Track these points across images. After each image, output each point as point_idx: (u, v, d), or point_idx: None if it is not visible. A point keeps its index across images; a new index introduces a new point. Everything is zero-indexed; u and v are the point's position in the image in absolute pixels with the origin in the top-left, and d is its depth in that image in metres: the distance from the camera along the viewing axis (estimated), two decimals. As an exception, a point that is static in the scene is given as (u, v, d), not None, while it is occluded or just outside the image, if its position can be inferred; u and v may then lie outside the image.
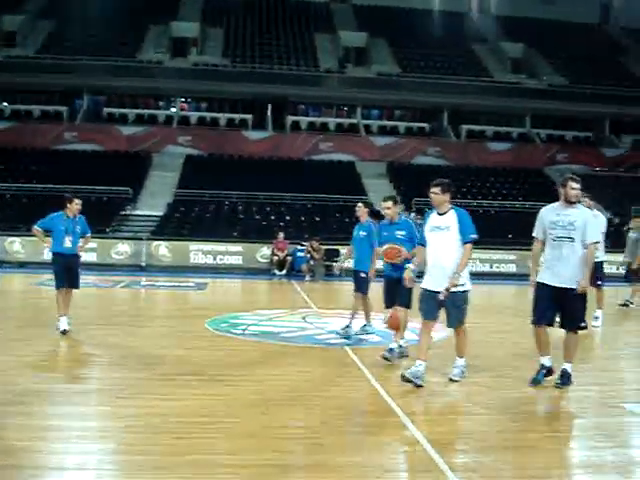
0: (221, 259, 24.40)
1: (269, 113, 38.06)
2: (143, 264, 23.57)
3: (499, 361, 8.83)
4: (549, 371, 7.43)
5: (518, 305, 16.64)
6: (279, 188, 29.13)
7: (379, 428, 5.93)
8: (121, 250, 23.88)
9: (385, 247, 8.69)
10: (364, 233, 10.25)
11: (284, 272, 22.94)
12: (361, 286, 10.22)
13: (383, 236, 8.91)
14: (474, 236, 7.32)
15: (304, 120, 39.17)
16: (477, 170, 34.99)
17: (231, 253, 24.50)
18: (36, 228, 10.28)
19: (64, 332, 9.83)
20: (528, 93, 38.38)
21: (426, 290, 7.42)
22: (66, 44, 35.94)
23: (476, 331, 10.84)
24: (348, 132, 38.26)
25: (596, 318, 11.93)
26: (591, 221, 7.44)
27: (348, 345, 9.59)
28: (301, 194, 29.13)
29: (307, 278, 21.71)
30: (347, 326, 10.32)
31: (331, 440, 5.59)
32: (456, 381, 7.39)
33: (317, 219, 27.89)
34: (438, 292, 7.22)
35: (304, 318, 12.31)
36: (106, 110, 37.97)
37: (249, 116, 38.29)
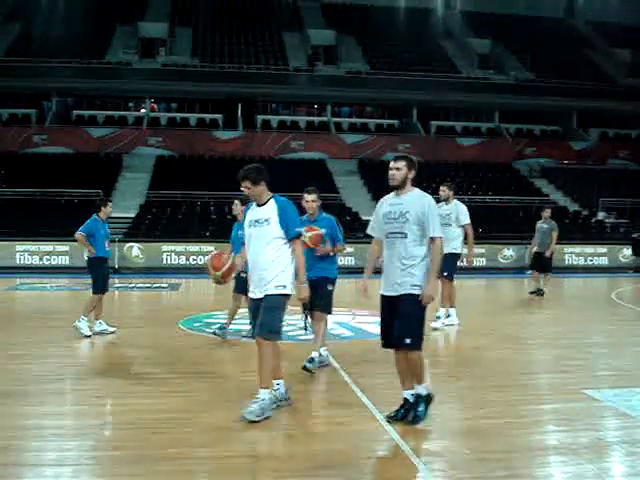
0: (194, 259, 24.48)
1: (239, 112, 38.15)
2: (116, 266, 23.55)
3: (461, 351, 9.08)
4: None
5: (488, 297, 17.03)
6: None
7: (349, 418, 6.13)
8: (94, 252, 23.80)
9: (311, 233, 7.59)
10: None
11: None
12: (241, 287, 9.28)
13: None
14: (300, 230, 6.34)
15: (274, 119, 39.35)
16: (447, 165, 35.34)
17: (204, 253, 24.49)
18: (82, 234, 10.16)
19: (112, 332, 10.25)
20: (496, 88, 38.81)
21: (251, 299, 6.33)
22: (33, 46, 35.76)
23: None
24: (319, 130, 38.48)
25: (448, 316, 11.12)
26: (430, 211, 5.84)
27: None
28: (272, 193, 29.20)
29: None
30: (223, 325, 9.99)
31: (301, 431, 5.80)
32: (254, 421, 5.79)
33: (289, 217, 28.06)
34: (261, 299, 6.11)
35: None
36: (75, 112, 37.84)
37: (219, 116, 38.38)
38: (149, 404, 6.39)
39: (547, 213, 16.51)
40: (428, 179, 33.01)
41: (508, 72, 40.75)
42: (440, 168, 34.72)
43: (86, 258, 10.62)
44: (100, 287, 10.34)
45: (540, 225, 16.33)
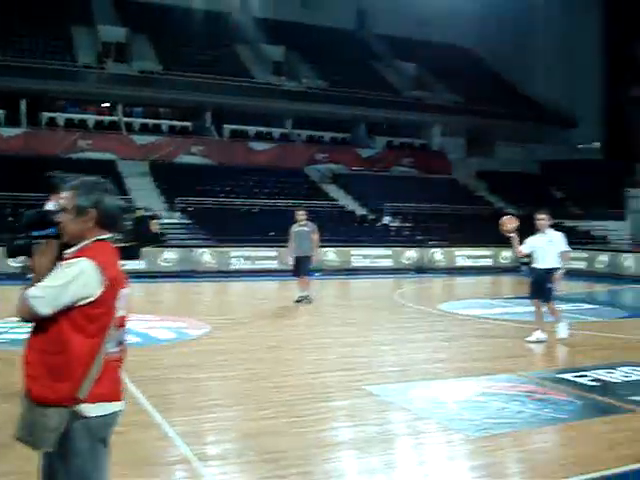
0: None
1: (23, 109, 36.06)
2: None
3: (245, 352, 9.14)
4: None
5: (275, 297, 17.29)
6: (34, 188, 27.65)
7: (132, 427, 5.93)
8: None
9: None
10: None
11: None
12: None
13: None
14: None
15: (61, 116, 37.53)
16: (241, 169, 35.49)
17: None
18: None
19: None
20: (289, 95, 39.52)
21: None
22: None
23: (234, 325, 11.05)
24: (108, 130, 37.25)
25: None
26: None
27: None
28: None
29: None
30: None
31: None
32: None
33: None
34: None
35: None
36: None
37: (1, 111, 36.04)
38: None
39: (303, 215, 15.48)
40: (222, 183, 33.18)
41: (301, 79, 41.69)
42: (234, 172, 34.88)
43: None
44: None
45: (300, 229, 15.26)
